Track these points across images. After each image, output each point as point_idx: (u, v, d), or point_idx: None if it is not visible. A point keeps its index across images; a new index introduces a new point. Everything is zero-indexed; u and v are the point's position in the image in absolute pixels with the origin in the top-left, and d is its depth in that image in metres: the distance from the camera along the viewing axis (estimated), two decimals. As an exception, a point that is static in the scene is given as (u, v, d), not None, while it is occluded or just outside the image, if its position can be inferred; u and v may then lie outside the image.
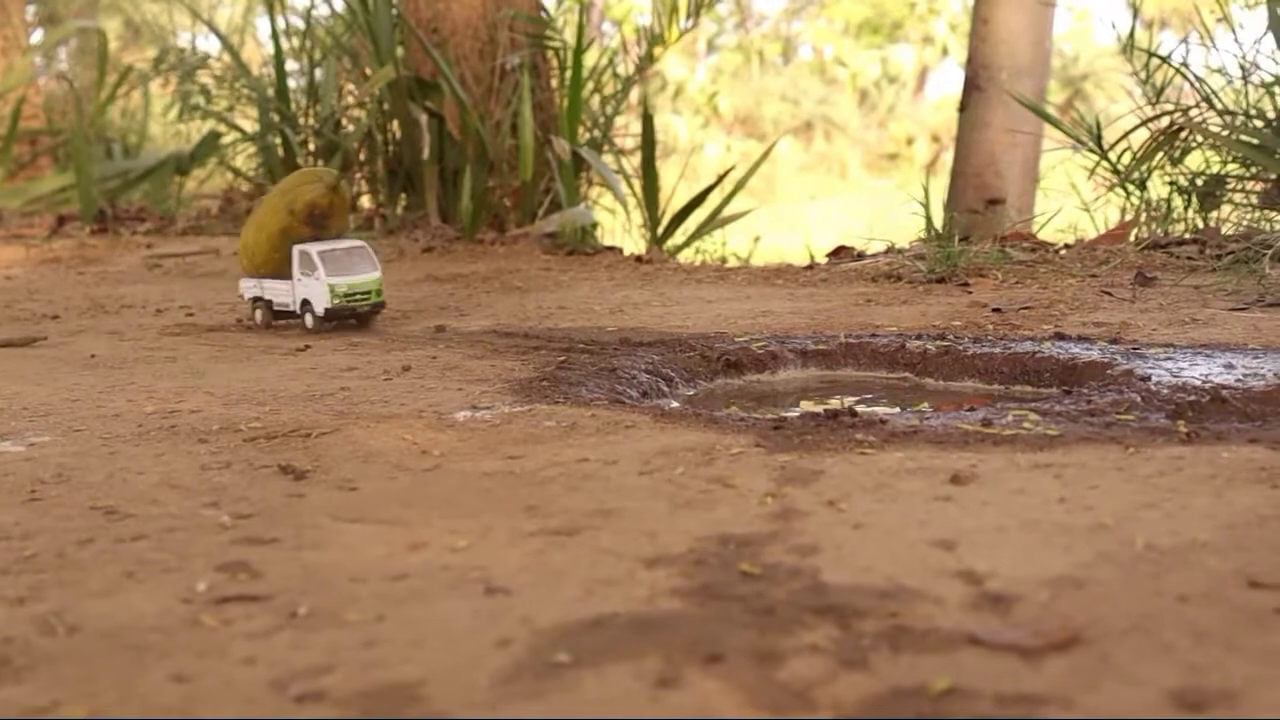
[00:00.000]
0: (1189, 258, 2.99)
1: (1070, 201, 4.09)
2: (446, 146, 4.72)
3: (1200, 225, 3.71)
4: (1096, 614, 0.93)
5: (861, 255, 3.52)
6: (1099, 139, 3.93)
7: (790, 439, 1.46)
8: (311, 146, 5.15)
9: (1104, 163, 3.94)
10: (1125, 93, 4.21)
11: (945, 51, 28.20)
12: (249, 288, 2.64)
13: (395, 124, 4.93)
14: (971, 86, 6.20)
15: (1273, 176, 3.64)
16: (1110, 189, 3.97)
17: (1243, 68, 3.87)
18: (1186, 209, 3.84)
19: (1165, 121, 3.91)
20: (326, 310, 2.44)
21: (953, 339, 2.06)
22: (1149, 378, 1.72)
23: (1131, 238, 3.53)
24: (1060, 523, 1.14)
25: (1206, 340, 2.02)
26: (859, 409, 1.59)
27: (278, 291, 2.56)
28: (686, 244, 4.87)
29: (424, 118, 4.59)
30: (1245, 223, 3.58)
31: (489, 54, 4.85)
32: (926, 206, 3.11)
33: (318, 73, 5.34)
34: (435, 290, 3.07)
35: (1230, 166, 3.83)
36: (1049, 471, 1.30)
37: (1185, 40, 4.16)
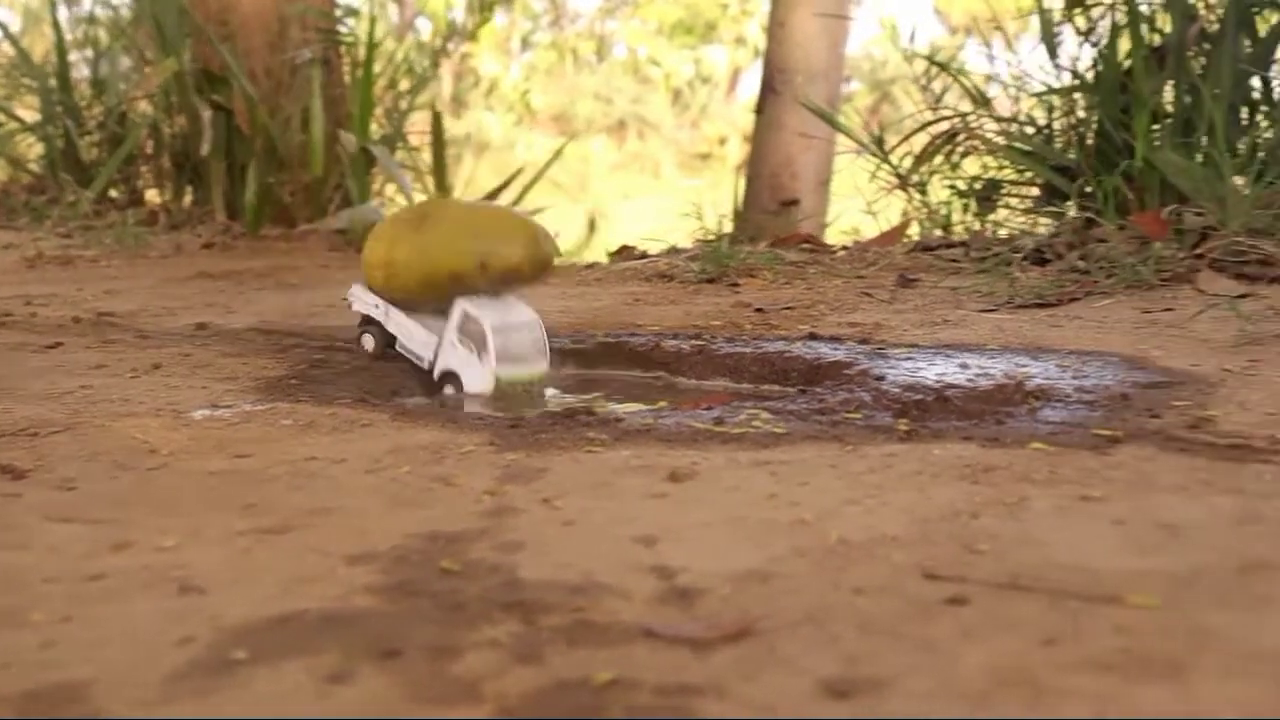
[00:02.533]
0: (953, 260, 3.08)
1: (860, 203, 4.19)
2: (235, 141, 4.66)
3: (979, 228, 3.83)
4: (775, 606, 0.96)
5: (645, 255, 3.57)
6: (880, 143, 4.03)
7: (524, 437, 1.48)
8: (96, 138, 5.04)
9: (885, 166, 4.03)
10: (907, 97, 4.32)
11: (757, 53, 28.50)
12: (365, 303, 2.03)
13: (183, 117, 4.85)
14: (767, 89, 6.30)
15: (1041, 182, 3.76)
16: (890, 191, 4.06)
17: (1018, 76, 4.00)
18: (965, 212, 3.95)
19: (946, 127, 4.03)
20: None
21: (708, 338, 2.10)
22: (884, 377, 1.77)
23: (906, 239, 3.62)
24: (764, 519, 1.17)
25: (950, 340, 2.09)
26: (597, 408, 1.62)
27: (408, 332, 1.98)
28: (478, 242, 4.87)
29: (208, 112, 4.53)
30: (1018, 227, 3.70)
31: (280, 48, 4.80)
32: (699, 208, 3.15)
33: (104, 63, 5.24)
34: (206, 287, 3.03)
35: (1006, 172, 3.95)
36: (766, 469, 1.34)
37: (989, 47, 4.29)
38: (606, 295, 2.72)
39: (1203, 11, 3.47)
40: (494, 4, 5.60)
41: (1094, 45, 3.64)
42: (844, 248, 3.60)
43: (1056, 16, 3.83)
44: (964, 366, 1.86)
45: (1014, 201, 3.94)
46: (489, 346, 1.85)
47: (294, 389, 1.79)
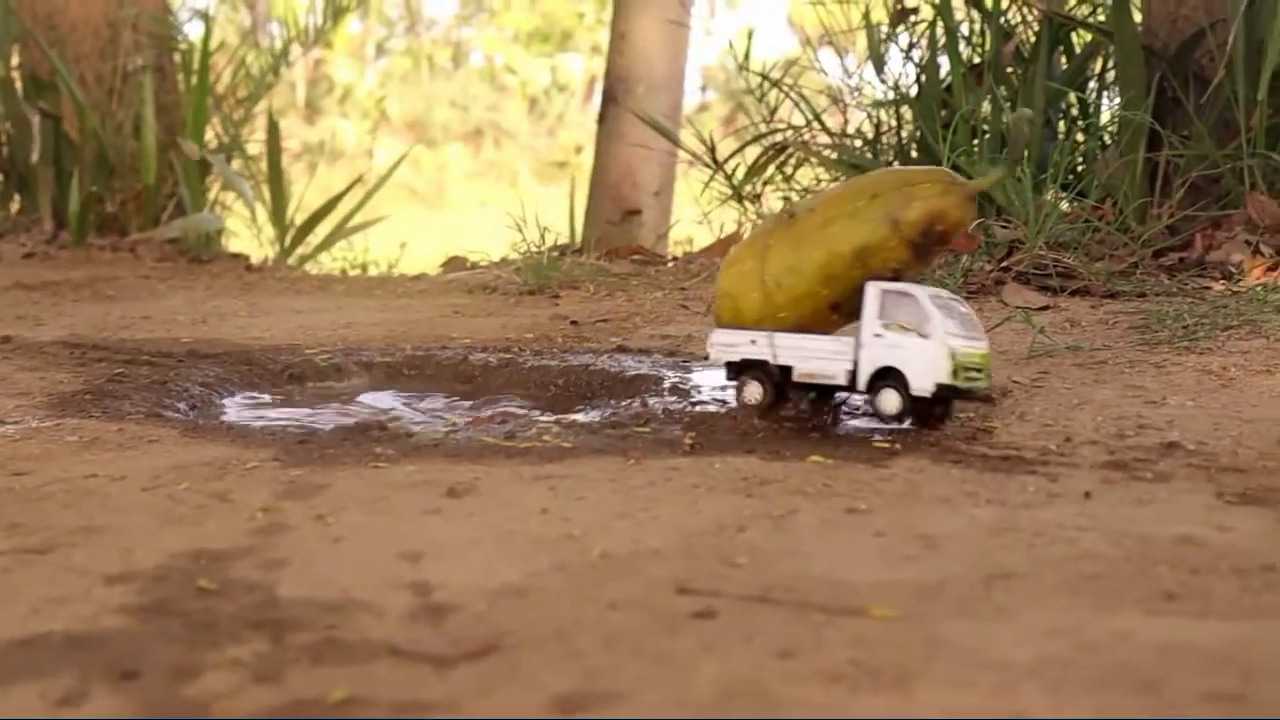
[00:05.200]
0: (775, 271, 3.12)
1: (706, 214, 4.23)
2: (64, 148, 4.58)
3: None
4: (526, 622, 0.97)
5: (474, 266, 3.57)
6: (714, 153, 4.06)
7: (311, 453, 1.48)
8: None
9: (720, 177, 4.07)
10: (741, 109, 4.37)
11: (613, 62, 28.46)
12: (737, 345, 1.63)
13: (9, 123, 4.76)
14: (609, 99, 6.33)
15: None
16: (724, 202, 4.10)
17: (851, 90, 4.07)
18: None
19: (779, 140, 4.08)
20: (940, 386, 1.52)
21: (516, 352, 2.11)
22: (680, 390, 1.79)
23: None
24: (533, 534, 1.19)
25: (757, 353, 2.11)
26: (390, 422, 1.62)
27: (808, 350, 1.59)
28: (315, 253, 4.84)
29: (37, 118, 4.44)
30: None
31: (111, 53, 4.73)
32: (522, 221, 3.17)
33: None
34: (19, 298, 2.98)
35: (837, 184, 4.00)
36: (546, 484, 1.35)
37: (821, 60, 4.35)
38: (427, 307, 2.72)
39: (1020, 28, 3.56)
40: (345, 10, 5.55)
41: (916, 64, 3.72)
42: (674, 259, 3.63)
43: (884, 33, 3.90)
44: (766, 378, 1.89)
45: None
46: (931, 316, 1.52)
47: (87, 404, 1.77)
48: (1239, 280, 2.50)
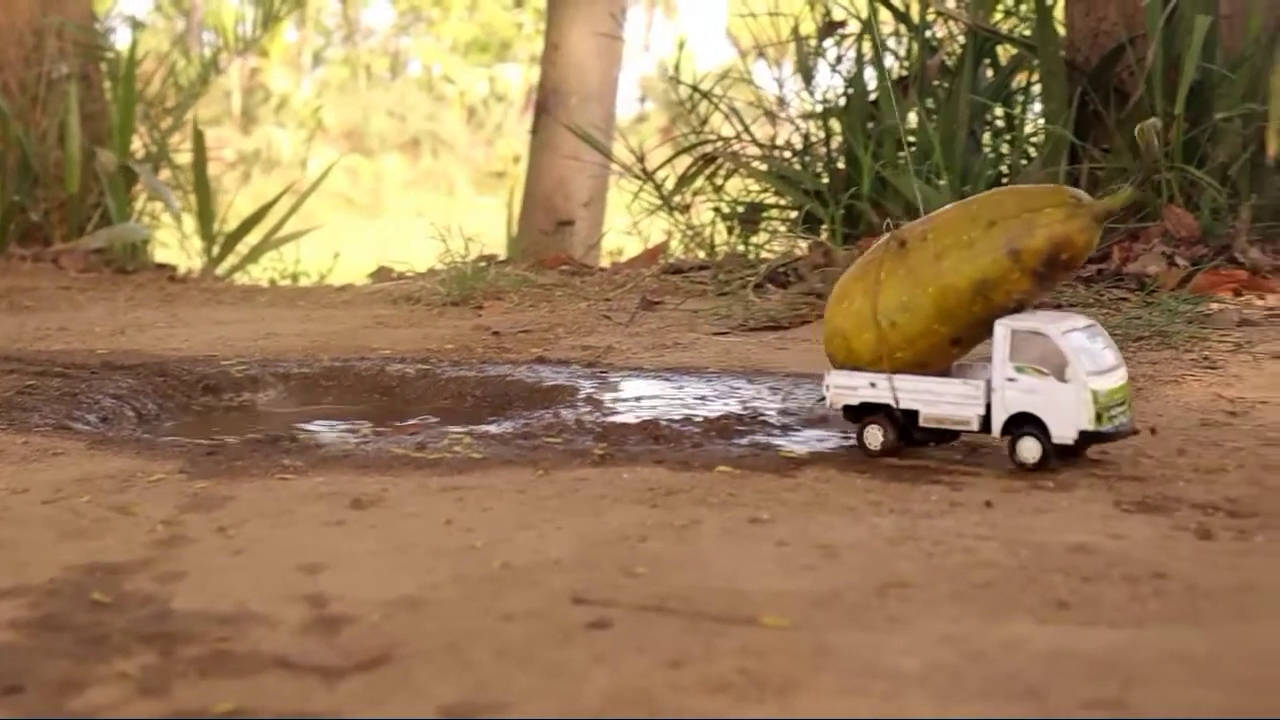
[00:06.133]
0: (701, 282, 3.12)
1: (635, 224, 4.23)
2: (-13, 157, 4.53)
3: (741, 249, 3.88)
4: (420, 633, 0.97)
5: (402, 276, 3.56)
6: (643, 164, 4.06)
7: (218, 465, 1.47)
8: None
9: (649, 187, 4.07)
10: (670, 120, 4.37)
11: (552, 72, 28.40)
12: (855, 388, 1.53)
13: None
14: (542, 110, 6.34)
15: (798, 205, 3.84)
16: (652, 213, 4.10)
17: (780, 101, 4.09)
18: (730, 234, 4.01)
19: (709, 150, 4.09)
20: (1084, 434, 1.43)
21: (434, 363, 2.11)
22: (595, 401, 1.80)
23: (661, 261, 3.67)
24: (435, 545, 1.19)
25: (675, 364, 2.12)
26: (300, 433, 1.61)
27: (935, 394, 1.50)
28: (244, 263, 4.81)
29: (-43, 126, 4.40)
30: (778, 249, 3.76)
31: (35, 61, 4.68)
32: (445, 231, 3.15)
33: None
34: (-66, 310, 2.95)
35: (766, 195, 4.02)
36: (453, 495, 1.35)
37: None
38: (350, 318, 2.72)
39: (946, 42, 3.59)
40: (277, 17, 5.53)
41: (843, 76, 3.74)
42: (602, 269, 3.63)
43: (812, 46, 3.92)
44: (679, 388, 1.90)
45: (777, 224, 4.01)
46: (1069, 358, 1.42)
47: (-7, 417, 1.75)
48: (1153, 291, 2.52)
